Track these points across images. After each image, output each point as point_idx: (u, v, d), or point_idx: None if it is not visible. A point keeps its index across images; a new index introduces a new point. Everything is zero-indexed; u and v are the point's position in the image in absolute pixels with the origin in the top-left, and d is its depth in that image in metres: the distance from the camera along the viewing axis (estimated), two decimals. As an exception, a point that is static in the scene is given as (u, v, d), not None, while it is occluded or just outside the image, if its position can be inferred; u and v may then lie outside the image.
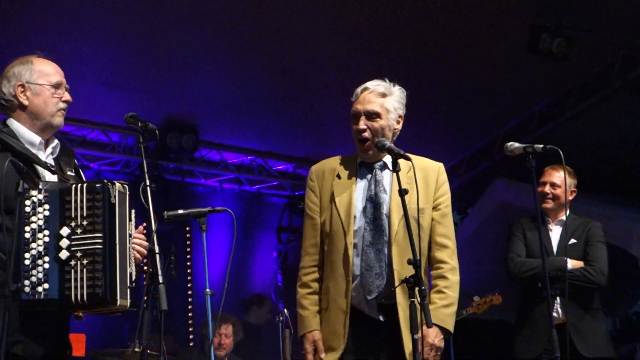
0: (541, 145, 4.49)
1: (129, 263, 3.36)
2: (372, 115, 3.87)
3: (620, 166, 9.90)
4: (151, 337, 3.34)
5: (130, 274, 3.34)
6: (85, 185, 3.30)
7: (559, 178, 5.43)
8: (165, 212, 3.69)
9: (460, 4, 7.74)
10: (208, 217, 3.97)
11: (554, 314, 5.13)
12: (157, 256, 3.18)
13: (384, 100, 3.91)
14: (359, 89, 3.96)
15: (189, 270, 9.88)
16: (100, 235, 3.25)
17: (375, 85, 3.95)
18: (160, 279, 3.12)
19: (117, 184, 3.35)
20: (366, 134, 3.86)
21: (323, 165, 4.00)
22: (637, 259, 8.22)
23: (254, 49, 8.27)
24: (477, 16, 7.89)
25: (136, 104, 9.12)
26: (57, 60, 3.72)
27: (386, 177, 3.93)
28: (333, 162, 3.99)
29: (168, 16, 7.67)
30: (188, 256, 9.93)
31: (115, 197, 3.31)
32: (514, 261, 5.47)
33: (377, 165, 3.95)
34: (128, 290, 3.30)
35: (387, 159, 3.90)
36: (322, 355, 3.76)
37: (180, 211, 3.88)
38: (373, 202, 3.84)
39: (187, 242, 9.97)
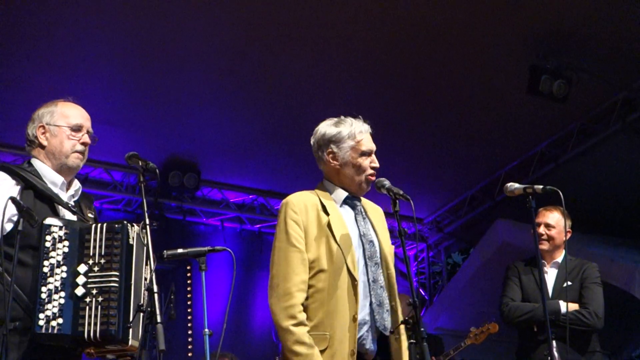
0: (541, 186, 4.43)
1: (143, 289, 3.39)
2: (375, 155, 3.92)
3: (621, 207, 9.91)
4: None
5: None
6: (105, 225, 3.37)
7: (552, 219, 5.46)
8: (165, 251, 3.69)
9: (462, 47, 7.80)
10: (208, 256, 3.95)
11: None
12: (156, 295, 3.17)
13: None
14: (363, 126, 3.94)
15: (189, 310, 9.83)
16: (117, 274, 3.29)
17: (365, 123, 3.99)
18: (159, 319, 3.11)
19: (136, 227, 3.42)
20: (374, 172, 3.88)
21: (301, 198, 3.83)
22: (640, 300, 8.19)
23: (255, 89, 8.33)
24: (478, 58, 7.96)
25: (138, 142, 9.18)
26: (60, 98, 3.77)
27: (365, 213, 3.93)
28: (310, 197, 3.86)
29: (171, 56, 7.74)
30: (188, 295, 9.89)
31: (133, 238, 3.37)
32: (508, 306, 5.45)
33: (358, 202, 3.94)
34: (139, 332, 3.29)
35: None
36: None
37: (180, 250, 3.87)
38: (366, 238, 3.80)
39: (188, 281, 9.93)
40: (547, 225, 5.48)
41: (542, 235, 5.46)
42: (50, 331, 3.20)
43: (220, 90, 8.39)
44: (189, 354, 9.63)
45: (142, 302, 3.36)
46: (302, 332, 3.55)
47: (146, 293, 3.34)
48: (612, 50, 7.84)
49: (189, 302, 9.85)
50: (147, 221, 3.34)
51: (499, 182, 10.29)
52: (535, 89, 7.90)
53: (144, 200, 3.45)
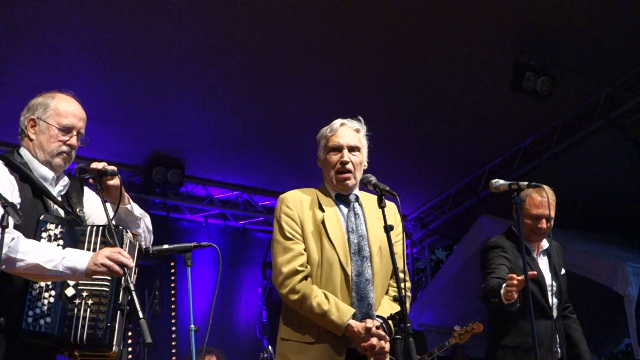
0: (526, 183, 4.44)
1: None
2: (354, 149, 3.94)
3: (603, 203, 9.97)
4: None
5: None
6: (100, 228, 3.35)
7: (553, 211, 4.97)
8: (151, 247, 3.67)
9: (445, 43, 7.82)
10: (193, 252, 3.95)
11: None
12: (134, 293, 3.12)
13: (359, 136, 4.01)
14: (335, 123, 4.00)
15: (172, 306, 9.80)
16: (109, 279, 3.26)
17: (349, 121, 4.01)
18: (140, 314, 3.07)
19: (130, 234, 3.40)
20: (349, 166, 3.90)
21: (296, 195, 3.94)
22: (622, 297, 8.22)
23: (240, 85, 8.31)
24: (462, 55, 7.98)
25: (122, 138, 9.15)
26: (60, 91, 3.72)
27: (359, 210, 3.97)
28: (305, 193, 3.96)
29: (155, 52, 7.71)
30: (172, 291, 9.86)
31: (126, 244, 3.34)
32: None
33: (352, 197, 3.99)
34: (120, 338, 3.27)
35: (356, 191, 4.02)
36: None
37: (166, 246, 3.86)
38: (355, 234, 3.85)
39: (172, 277, 9.91)
40: (548, 219, 4.93)
41: (545, 230, 4.95)
42: (37, 329, 3.17)
43: (205, 87, 8.37)
44: (173, 350, 9.61)
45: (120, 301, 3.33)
46: (314, 296, 3.68)
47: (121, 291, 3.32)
48: (595, 47, 7.88)
49: (172, 299, 9.82)
50: (113, 227, 3.27)
51: (482, 178, 10.34)
52: (519, 85, 7.93)
53: (106, 209, 3.31)
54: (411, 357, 3.30)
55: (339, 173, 3.91)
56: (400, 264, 3.67)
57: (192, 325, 3.79)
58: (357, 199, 4.00)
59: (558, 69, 8.06)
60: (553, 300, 4.87)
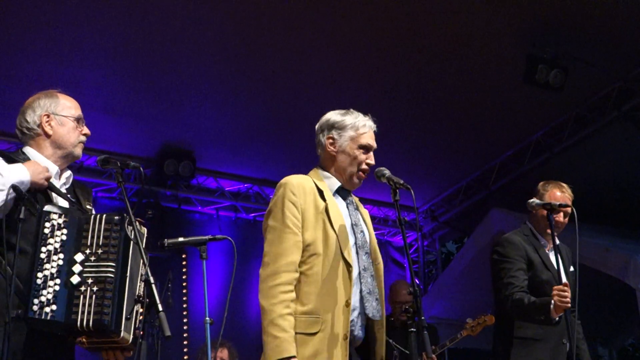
0: (558, 203, 4.82)
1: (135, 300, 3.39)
2: (374, 152, 3.96)
3: (615, 196, 9.94)
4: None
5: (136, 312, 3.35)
6: (104, 216, 3.37)
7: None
8: (166, 239, 3.68)
9: (457, 36, 7.80)
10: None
11: None
12: (154, 286, 3.17)
13: None
14: (368, 120, 3.97)
15: (185, 298, 9.83)
16: (114, 264, 3.29)
17: (374, 122, 4.01)
18: (160, 307, 3.11)
19: (137, 221, 3.40)
20: (368, 168, 3.91)
21: (299, 181, 3.83)
22: (635, 290, 8.21)
23: (250, 78, 8.32)
24: (474, 47, 7.96)
25: (134, 131, 9.17)
26: (56, 87, 3.79)
27: (356, 205, 3.99)
28: (308, 181, 3.87)
29: (168, 45, 7.72)
30: (184, 283, 9.89)
31: (131, 231, 3.36)
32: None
33: (350, 194, 3.99)
34: (132, 326, 3.31)
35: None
36: None
37: (181, 239, 3.87)
38: (357, 228, 3.85)
39: (184, 270, 9.93)
40: (566, 214, 5.17)
41: (563, 224, 5.18)
42: (43, 317, 3.20)
43: (217, 79, 8.37)
44: (185, 342, 9.64)
45: (138, 293, 3.37)
46: (280, 312, 3.50)
47: (142, 284, 3.37)
48: (608, 40, 7.84)
49: (184, 291, 9.85)
50: (133, 218, 3.32)
51: (494, 171, 10.32)
52: (532, 78, 7.90)
53: (127, 202, 3.39)
54: (426, 350, 3.31)
55: (362, 172, 3.91)
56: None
57: (208, 318, 3.80)
58: (351, 194, 4.01)
59: (571, 62, 8.02)
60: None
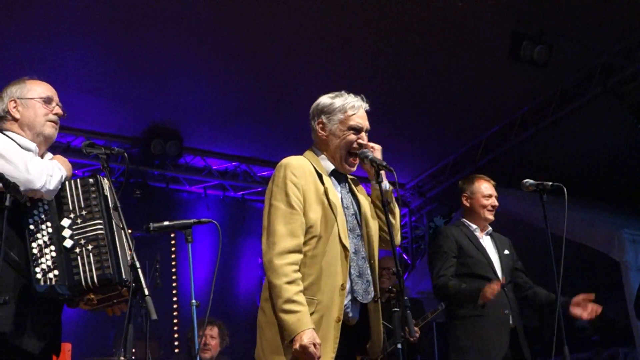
0: (550, 183, 5.13)
1: (127, 248, 3.48)
2: (366, 133, 3.95)
3: (601, 171, 9.99)
4: (137, 343, 3.36)
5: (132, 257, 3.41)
6: (78, 180, 3.54)
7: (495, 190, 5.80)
8: (151, 223, 3.71)
9: (442, 12, 7.80)
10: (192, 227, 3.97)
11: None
12: (139, 270, 3.24)
13: None
14: (356, 101, 3.96)
15: (173, 277, 9.86)
16: (101, 222, 3.44)
17: (364, 101, 4.00)
18: (146, 292, 3.16)
19: (105, 179, 3.56)
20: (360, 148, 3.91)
21: (300, 162, 3.84)
22: (619, 263, 8.29)
23: (237, 56, 8.30)
24: (459, 24, 7.96)
25: (120, 111, 9.16)
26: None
27: (350, 187, 4.01)
28: (306, 163, 3.88)
29: (152, 24, 7.69)
30: (173, 263, 9.91)
31: (106, 189, 3.54)
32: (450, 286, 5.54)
33: (344, 176, 4.00)
34: (130, 273, 3.37)
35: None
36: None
37: (166, 223, 3.90)
38: (348, 210, 3.86)
39: (172, 249, 9.95)
40: (497, 198, 5.75)
41: (495, 206, 5.71)
42: (48, 283, 3.31)
43: (203, 58, 8.35)
44: (175, 321, 9.69)
45: (126, 245, 3.47)
46: (294, 290, 3.54)
47: (128, 269, 3.41)
48: (592, 15, 7.86)
49: (173, 270, 9.87)
50: (118, 204, 3.48)
51: (480, 147, 10.36)
52: (516, 54, 7.93)
53: (111, 186, 3.52)
54: (408, 326, 3.37)
55: (351, 154, 3.90)
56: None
57: (194, 301, 3.83)
58: (345, 177, 4.01)
59: (555, 38, 8.05)
60: (499, 273, 5.46)
